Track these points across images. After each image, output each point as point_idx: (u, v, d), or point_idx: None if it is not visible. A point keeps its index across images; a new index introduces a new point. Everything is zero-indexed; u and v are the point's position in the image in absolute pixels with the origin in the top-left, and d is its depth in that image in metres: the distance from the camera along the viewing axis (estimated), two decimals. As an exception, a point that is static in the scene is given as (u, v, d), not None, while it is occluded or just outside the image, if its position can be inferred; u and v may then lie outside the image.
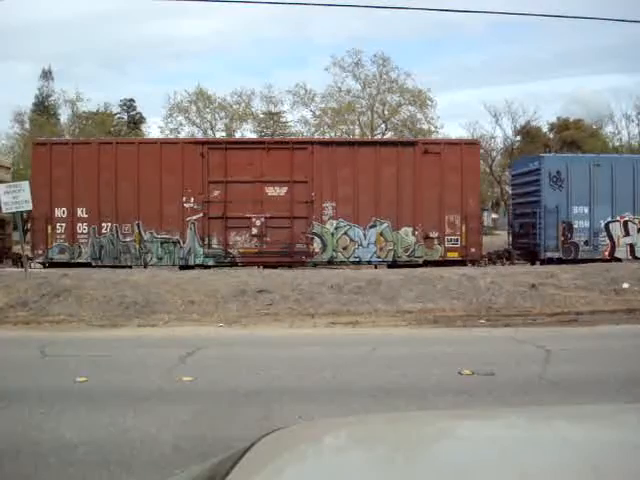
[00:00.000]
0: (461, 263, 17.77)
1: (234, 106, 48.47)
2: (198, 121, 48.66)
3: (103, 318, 11.45)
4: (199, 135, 45.49)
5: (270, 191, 18.05)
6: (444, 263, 17.54)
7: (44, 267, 17.76)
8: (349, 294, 12.58)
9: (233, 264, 18.07)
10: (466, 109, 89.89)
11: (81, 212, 17.93)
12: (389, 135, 45.58)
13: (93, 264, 17.72)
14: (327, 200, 18.16)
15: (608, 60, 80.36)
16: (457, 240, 18.16)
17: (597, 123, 52.99)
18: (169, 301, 12.22)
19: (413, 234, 18.17)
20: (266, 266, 17.35)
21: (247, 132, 48.83)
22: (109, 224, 17.98)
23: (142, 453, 4.81)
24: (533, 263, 19.31)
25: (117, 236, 17.99)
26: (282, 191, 18.06)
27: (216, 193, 18.02)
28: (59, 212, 17.87)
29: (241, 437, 4.40)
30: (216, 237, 18.12)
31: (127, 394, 6.39)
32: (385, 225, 18.16)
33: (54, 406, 5.95)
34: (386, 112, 47.62)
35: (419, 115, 46.86)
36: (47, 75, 56.24)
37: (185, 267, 17.75)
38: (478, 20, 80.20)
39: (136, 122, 58.48)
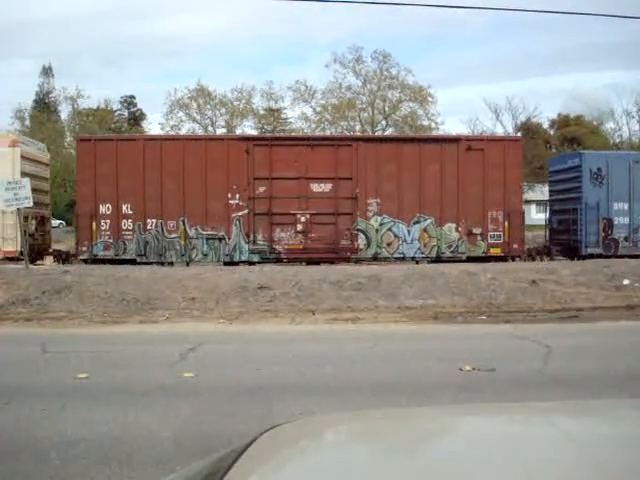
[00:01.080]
0: (503, 259, 17.89)
1: (235, 102, 48.49)
2: (199, 117, 48.70)
3: (104, 315, 11.46)
4: (199, 131, 45.51)
5: (315, 187, 18.08)
6: (487, 259, 17.64)
7: (85, 263, 17.73)
8: (350, 290, 12.59)
9: (278, 260, 18.11)
10: (466, 105, 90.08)
11: (126, 208, 17.85)
12: (389, 131, 45.60)
13: (138, 260, 17.72)
14: (371, 196, 18.18)
15: (608, 57, 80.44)
16: (500, 236, 18.25)
17: (598, 119, 52.96)
18: (170, 297, 12.23)
19: (456, 230, 18.25)
20: (311, 262, 17.39)
21: (248, 128, 48.92)
22: (154, 220, 17.93)
23: (143, 449, 4.82)
24: (572, 259, 19.38)
25: (162, 232, 17.97)
26: (327, 187, 18.09)
27: (261, 189, 18.03)
28: (104, 208, 17.80)
29: (242, 433, 4.42)
30: (261, 233, 18.13)
31: (128, 390, 6.41)
32: (429, 221, 18.22)
33: (55, 402, 5.96)
34: (387, 108, 47.62)
35: (420, 111, 46.89)
36: (47, 72, 56.33)
37: (230, 263, 17.76)
38: (478, 16, 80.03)
39: (137, 119, 58.49)
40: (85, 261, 17.85)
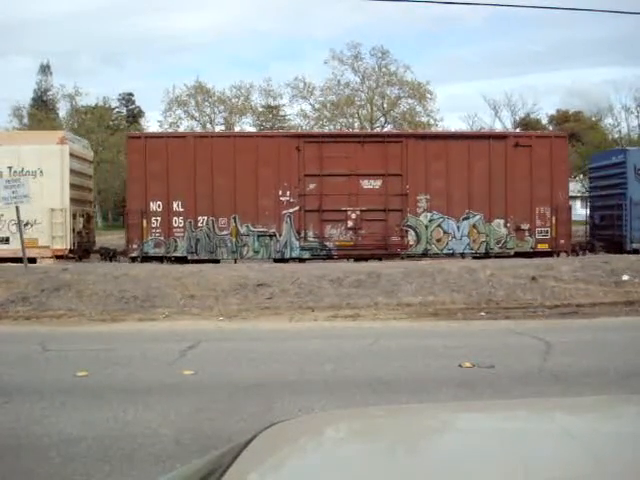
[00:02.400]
0: (550, 254, 17.98)
1: (233, 100, 48.45)
2: (197, 115, 48.66)
3: (103, 312, 11.46)
4: (198, 129, 45.47)
5: (365, 184, 18.15)
6: (534, 254, 17.73)
7: (132, 261, 17.81)
8: (349, 287, 12.59)
9: (329, 257, 18.18)
10: (465, 102, 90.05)
11: (177, 206, 17.88)
12: (388, 128, 45.57)
13: (189, 258, 17.77)
14: (421, 193, 18.27)
15: (606, 52, 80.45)
16: (547, 232, 18.40)
17: (596, 115, 52.94)
18: (169, 295, 12.23)
19: (505, 226, 18.38)
20: (361, 259, 17.39)
21: (246, 125, 48.88)
22: (205, 218, 17.96)
23: (143, 447, 4.82)
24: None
25: (213, 230, 18.00)
26: (377, 184, 18.17)
27: (312, 186, 18.10)
28: (154, 206, 17.82)
29: (242, 430, 4.43)
30: (312, 230, 18.20)
31: (128, 388, 6.41)
32: (478, 217, 18.35)
33: (55, 400, 5.97)
34: (385, 105, 47.59)
35: (418, 108, 46.85)
36: (45, 70, 56.25)
37: (280, 260, 17.83)
38: (476, 13, 79.98)
39: (135, 116, 58.43)
40: (134, 259, 17.93)
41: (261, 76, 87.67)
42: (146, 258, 17.68)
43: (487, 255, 18.03)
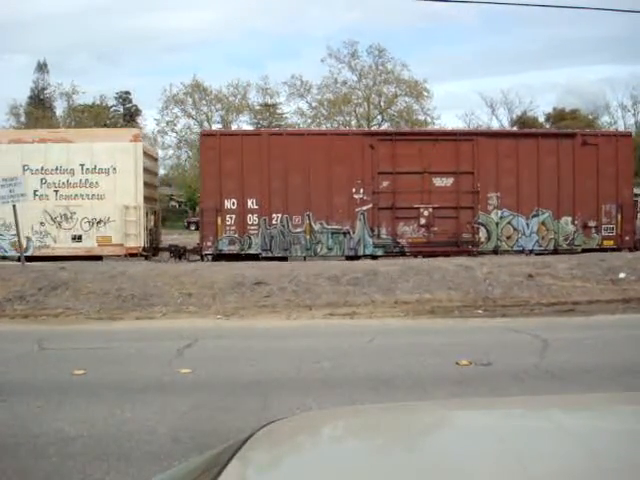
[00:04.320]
0: (615, 251, 18.12)
1: (230, 98, 48.39)
2: (194, 113, 48.60)
3: (100, 311, 11.45)
4: (196, 127, 45.44)
5: (437, 182, 18.30)
6: (600, 251, 17.85)
7: (201, 259, 17.95)
8: (346, 285, 12.59)
9: (402, 254, 18.24)
10: (461, 100, 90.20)
11: (251, 203, 17.94)
12: (386, 126, 45.57)
13: (263, 255, 17.83)
14: (491, 190, 18.46)
15: (602, 51, 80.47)
16: (612, 229, 18.70)
17: (593, 113, 53.00)
18: (166, 293, 12.22)
19: (572, 223, 18.65)
20: (433, 255, 17.37)
21: (243, 124, 48.83)
22: (279, 215, 18.04)
23: (140, 445, 4.82)
24: None
25: (288, 227, 18.09)
26: (449, 182, 18.33)
27: (385, 184, 18.21)
28: (229, 203, 17.87)
29: (239, 428, 4.42)
30: (385, 227, 18.32)
31: (125, 386, 6.40)
32: (546, 215, 18.60)
33: (52, 399, 5.96)
34: (382, 103, 47.59)
35: (415, 106, 46.85)
36: (42, 68, 56.07)
37: (353, 257, 17.88)
38: (471, 11, 79.92)
39: (132, 114, 58.29)
40: (202, 257, 18.06)
41: (258, 74, 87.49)
42: (219, 256, 17.76)
43: (555, 252, 18.31)
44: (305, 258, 18.03)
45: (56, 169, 17.99)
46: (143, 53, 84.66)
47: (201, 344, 8.59)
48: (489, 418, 1.86)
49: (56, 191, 18.05)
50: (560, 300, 12.01)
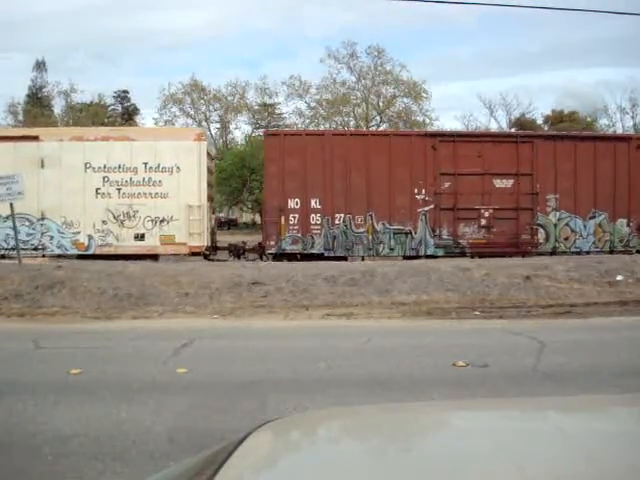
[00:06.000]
0: None
1: (229, 97, 48.42)
2: (193, 112, 48.62)
3: (97, 310, 11.42)
4: (193, 127, 45.40)
5: (497, 183, 18.45)
6: None
7: (260, 259, 18.07)
8: (343, 286, 12.58)
9: (462, 255, 18.29)
10: (459, 101, 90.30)
11: (314, 203, 18.06)
12: (384, 127, 45.60)
13: (325, 255, 17.87)
14: (550, 192, 18.68)
15: (601, 53, 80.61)
16: None
17: (591, 116, 53.08)
18: (163, 293, 12.20)
19: (628, 225, 18.92)
20: (493, 256, 17.43)
21: (242, 124, 48.87)
22: (342, 215, 18.16)
23: (136, 445, 4.81)
24: None
25: (350, 227, 18.20)
26: (508, 183, 18.50)
27: (446, 185, 18.34)
28: (292, 203, 17.99)
29: (235, 428, 4.41)
30: (446, 228, 18.46)
31: (121, 386, 6.39)
32: (603, 217, 18.84)
33: (48, 398, 5.94)
34: (381, 104, 47.61)
35: (414, 107, 46.90)
36: (41, 67, 56.01)
37: (414, 257, 17.90)
38: (470, 12, 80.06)
39: (130, 113, 58.25)
40: (261, 256, 18.21)
41: (257, 74, 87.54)
42: (281, 255, 17.86)
43: (611, 253, 18.50)
44: (363, 258, 18.13)
45: (119, 167, 17.98)
46: (141, 52, 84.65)
47: (198, 344, 8.58)
48: (486, 419, 1.86)
49: (119, 189, 18.04)
50: (557, 302, 12.01)
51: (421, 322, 10.71)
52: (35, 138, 18.02)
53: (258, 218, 37.98)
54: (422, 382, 6.51)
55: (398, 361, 7.44)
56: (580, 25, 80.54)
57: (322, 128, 41.38)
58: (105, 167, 17.95)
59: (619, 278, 13.22)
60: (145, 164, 17.99)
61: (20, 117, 49.34)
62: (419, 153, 18.18)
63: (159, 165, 17.98)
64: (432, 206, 18.31)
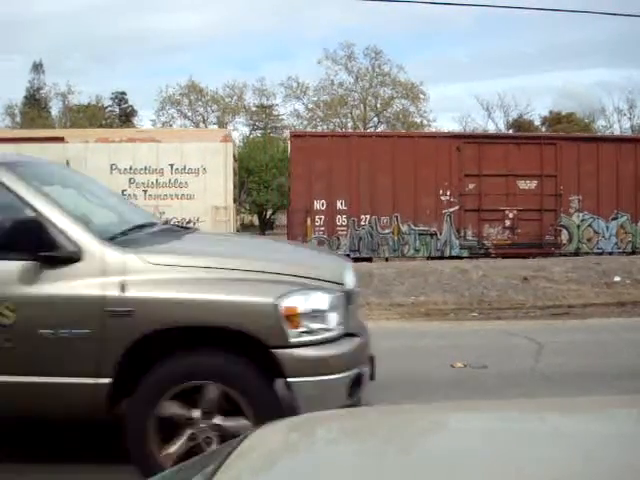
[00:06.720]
0: None
1: (226, 99, 48.35)
2: (190, 114, 48.59)
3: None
4: (191, 128, 45.37)
5: (521, 184, 18.55)
6: None
7: None
8: (342, 287, 12.56)
9: (486, 255, 18.35)
10: (456, 103, 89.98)
11: (340, 204, 18.09)
12: (381, 128, 45.61)
13: (351, 256, 17.76)
14: (573, 193, 18.75)
15: (598, 54, 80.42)
16: None
17: (589, 117, 53.11)
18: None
19: None
20: (517, 257, 17.50)
21: (240, 125, 48.81)
22: (367, 216, 18.22)
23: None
24: None
25: (376, 228, 18.25)
26: (532, 184, 18.59)
27: (471, 186, 18.40)
28: (318, 204, 18.02)
29: (234, 430, 4.39)
30: (471, 229, 18.55)
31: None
32: (625, 218, 18.97)
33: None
34: (379, 105, 47.60)
35: (412, 108, 46.89)
36: (38, 68, 55.80)
37: (439, 258, 17.95)
38: (467, 14, 79.99)
39: (128, 115, 58.16)
40: None
41: (254, 76, 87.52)
42: None
43: (633, 253, 18.59)
44: (387, 259, 18.22)
45: (145, 169, 17.96)
46: (139, 54, 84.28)
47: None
48: (484, 421, 1.86)
49: (145, 191, 18.03)
50: (555, 303, 12.03)
51: (419, 323, 10.71)
52: (61, 139, 17.97)
53: (256, 220, 37.89)
54: (420, 383, 6.50)
55: (396, 362, 7.42)
56: (576, 26, 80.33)
57: (321, 129, 41.40)
58: (131, 169, 17.93)
59: (617, 279, 13.25)
60: (171, 165, 17.97)
61: (17, 119, 49.26)
62: (444, 154, 18.23)
63: (185, 166, 17.97)
64: (457, 207, 18.40)
